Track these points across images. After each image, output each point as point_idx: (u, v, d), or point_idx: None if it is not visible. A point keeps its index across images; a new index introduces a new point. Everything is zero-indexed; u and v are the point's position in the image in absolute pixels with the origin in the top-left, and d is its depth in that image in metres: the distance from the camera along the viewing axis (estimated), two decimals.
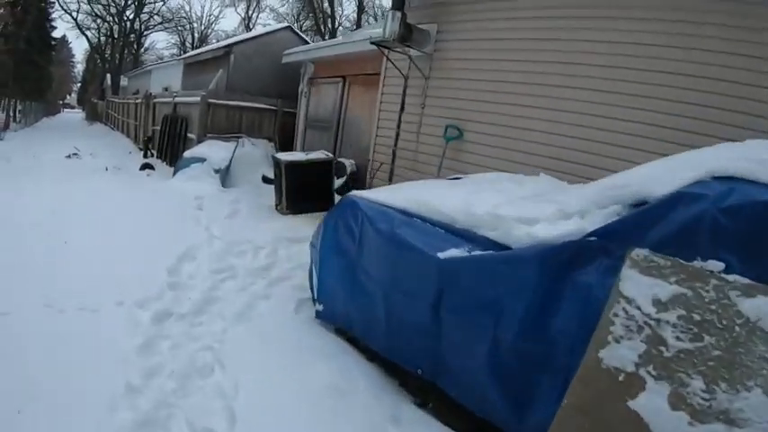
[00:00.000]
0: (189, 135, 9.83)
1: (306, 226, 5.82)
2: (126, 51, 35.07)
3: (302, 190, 6.56)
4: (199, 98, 9.22)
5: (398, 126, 6.71)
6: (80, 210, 5.86)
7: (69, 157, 12.37)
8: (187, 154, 8.71)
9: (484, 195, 2.92)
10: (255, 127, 10.06)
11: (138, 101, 16.03)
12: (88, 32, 34.74)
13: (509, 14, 5.63)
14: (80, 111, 44.79)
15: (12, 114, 22.94)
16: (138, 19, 34.66)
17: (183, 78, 14.47)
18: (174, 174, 8.65)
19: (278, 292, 3.83)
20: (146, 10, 34.78)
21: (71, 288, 3.53)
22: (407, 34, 6.18)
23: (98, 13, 32.60)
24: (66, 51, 43.69)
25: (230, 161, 8.30)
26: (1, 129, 17.66)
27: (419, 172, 6.42)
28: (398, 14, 6.07)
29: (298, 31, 11.92)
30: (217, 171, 8.14)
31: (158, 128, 12.05)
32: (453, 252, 2.53)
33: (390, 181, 6.69)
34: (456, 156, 6.00)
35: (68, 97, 58.00)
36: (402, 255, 2.68)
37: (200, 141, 9.11)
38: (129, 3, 33.17)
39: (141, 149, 13.10)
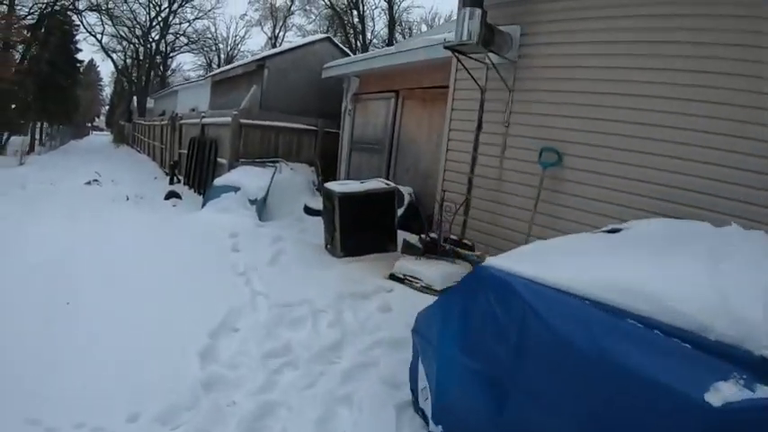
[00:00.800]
0: (219, 160, 8.96)
1: (370, 275, 4.75)
2: (152, 73, 35.45)
3: (359, 227, 5.50)
4: (230, 118, 8.36)
5: (475, 148, 5.61)
6: (90, 253, 4.93)
7: (89, 183, 11.74)
8: (218, 182, 7.79)
9: (702, 268, 1.81)
10: (294, 150, 9.14)
11: (164, 122, 15.49)
12: (114, 55, 35.30)
13: (614, 12, 4.53)
14: (108, 133, 45.80)
15: (36, 137, 23.01)
16: (163, 40, 35.05)
17: (211, 98, 13.82)
18: (204, 204, 7.74)
19: (361, 390, 2.71)
20: (171, 31, 35.18)
21: (67, 389, 2.50)
22: (490, 36, 5.12)
23: (123, 35, 33.04)
24: (93, 74, 44.98)
25: (268, 190, 7.34)
26: (24, 153, 17.33)
27: (505, 205, 5.29)
28: (478, 12, 5.02)
29: (338, 43, 11.07)
30: (253, 202, 7.19)
31: (185, 152, 11.30)
32: (731, 392, 1.38)
33: (467, 215, 5.57)
34: (555, 185, 4.84)
35: (97, 120, 59.89)
36: (624, 389, 1.52)
37: (231, 167, 8.20)
38: (154, 24, 33.51)
39: (167, 174, 12.39)
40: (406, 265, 4.76)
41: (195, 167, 10.07)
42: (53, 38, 22.58)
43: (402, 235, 5.76)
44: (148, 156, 20.14)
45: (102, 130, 56.73)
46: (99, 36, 31.22)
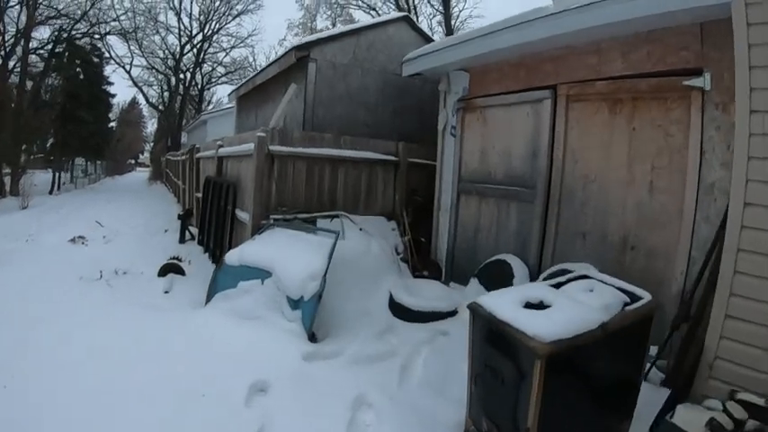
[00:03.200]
0: (239, 214, 5.98)
1: None
2: (189, 106, 34.41)
3: (573, 408, 2.16)
4: (252, 145, 5.36)
5: None
6: None
7: (74, 240, 9.14)
8: (232, 258, 4.78)
9: None
10: (361, 195, 6.10)
11: (184, 157, 12.97)
12: (151, 89, 34.91)
13: None
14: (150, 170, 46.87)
15: (68, 174, 22.03)
16: (199, 71, 33.99)
17: (236, 120, 11.17)
18: (209, 297, 4.72)
19: None
20: (207, 62, 34.19)
21: None
22: None
23: (153, 65, 32.20)
24: (137, 111, 45.93)
25: (324, 279, 4.16)
26: (27, 194, 15.45)
27: None
28: None
29: (419, 26, 7.93)
30: (296, 303, 4.12)
31: (201, 195, 8.47)
32: None
33: None
34: None
35: (141, 156, 62.34)
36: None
37: (256, 229, 5.18)
38: (186, 52, 32.46)
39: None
40: None
41: (210, 221, 7.18)
42: (73, 68, 21.89)
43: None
44: (175, 196, 18.16)
45: (147, 166, 59.18)
46: (128, 67, 30.52)
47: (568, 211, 4.57)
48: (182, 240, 8.94)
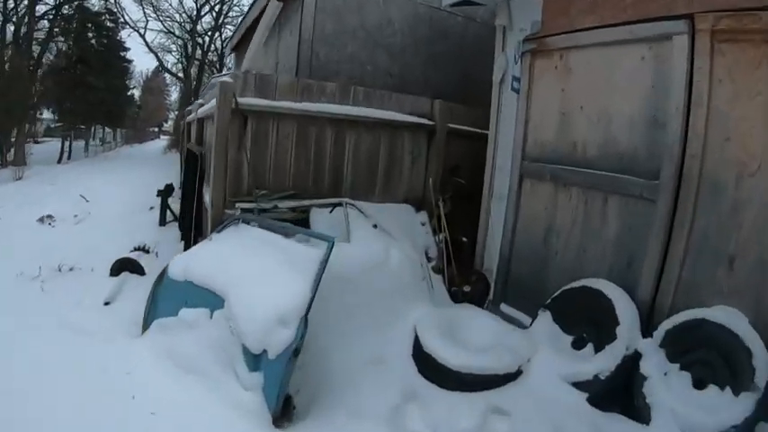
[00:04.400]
0: (205, 197, 4.42)
1: None
2: (209, 73, 33.21)
3: None
4: (215, 99, 3.74)
5: None
6: None
7: (42, 220, 7.98)
8: (177, 265, 3.41)
9: None
10: (378, 172, 4.53)
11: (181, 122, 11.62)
12: (171, 55, 33.88)
13: None
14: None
15: (68, 143, 21.70)
16: (219, 35, 32.51)
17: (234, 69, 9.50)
18: (145, 324, 3.41)
19: None
20: (228, 25, 32.67)
21: None
22: None
23: (170, 29, 31.12)
24: (161, 79, 46.25)
25: (304, 323, 2.61)
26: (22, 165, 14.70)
27: None
28: None
29: None
30: (257, 361, 2.71)
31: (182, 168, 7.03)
32: None
33: None
34: None
35: (165, 125, 64.38)
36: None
37: (217, 221, 3.72)
38: (203, 14, 30.90)
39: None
40: None
41: (184, 203, 5.68)
42: (84, 32, 21.22)
43: None
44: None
45: (171, 134, 61.30)
46: (142, 31, 29.46)
47: (708, 218, 2.89)
48: (162, 222, 7.56)
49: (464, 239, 4.48)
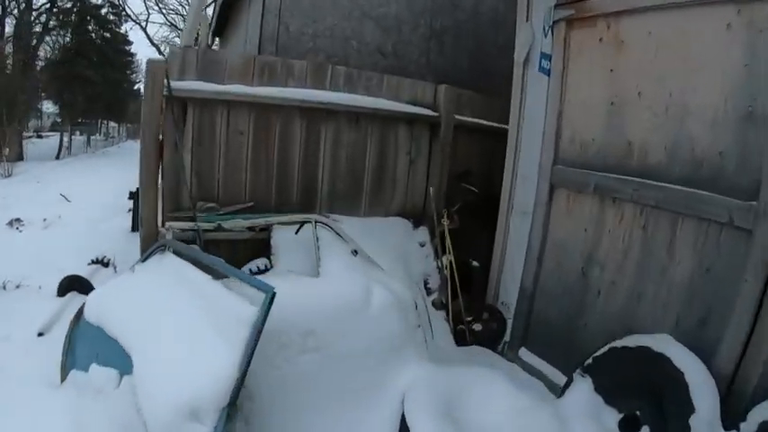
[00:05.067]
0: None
1: None
2: None
3: None
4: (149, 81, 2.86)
5: None
6: None
7: (11, 224, 7.42)
8: (92, 304, 2.56)
9: None
10: (365, 177, 3.65)
11: None
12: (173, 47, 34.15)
13: None
14: None
15: (68, 138, 21.46)
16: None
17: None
18: (63, 372, 2.74)
19: None
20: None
21: None
22: None
23: (173, 23, 30.98)
24: None
25: (228, 410, 1.73)
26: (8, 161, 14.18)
27: None
28: None
29: None
30: None
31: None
32: None
33: None
34: None
35: None
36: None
37: (147, 244, 2.85)
38: (209, 3, 30.49)
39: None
40: None
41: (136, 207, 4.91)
42: (83, 24, 20.96)
43: None
44: None
45: None
46: (143, 24, 29.14)
47: None
48: (134, 228, 6.84)
49: (475, 264, 3.56)
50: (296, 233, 3.03)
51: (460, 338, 3.37)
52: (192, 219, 3.01)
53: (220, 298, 2.25)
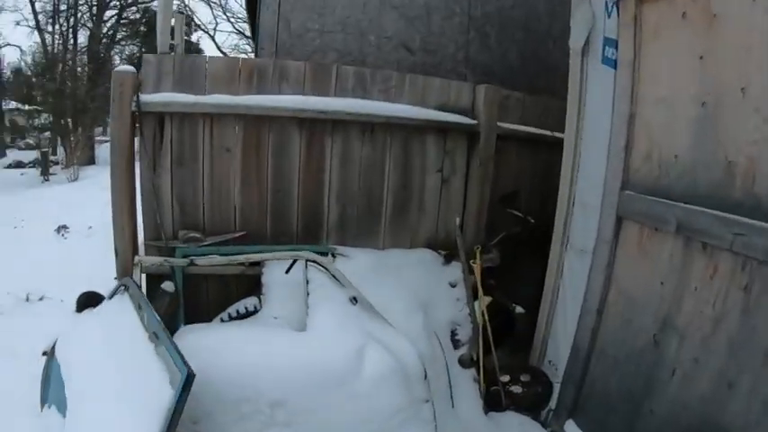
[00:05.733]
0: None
1: None
2: None
3: None
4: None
5: None
6: None
7: (59, 231, 8.19)
8: (60, 344, 2.28)
9: None
10: (385, 200, 3.02)
11: None
12: (245, 56, 35.96)
13: None
14: None
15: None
16: None
17: None
18: (42, 404, 2.44)
19: None
20: None
21: None
22: None
23: (241, 30, 32.63)
24: None
25: None
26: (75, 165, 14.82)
27: None
28: None
29: None
30: None
31: None
32: None
33: None
34: None
35: None
36: None
37: (122, 276, 2.48)
38: None
39: None
40: None
41: None
42: (149, 35, 21.40)
43: None
44: None
45: None
46: (212, 32, 30.64)
47: None
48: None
49: (519, 310, 2.86)
50: (286, 272, 2.53)
51: (493, 402, 2.69)
52: (170, 251, 2.64)
53: (148, 368, 1.81)
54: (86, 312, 2.99)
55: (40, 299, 4.95)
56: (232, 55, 33.22)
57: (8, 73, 22.61)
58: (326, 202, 2.87)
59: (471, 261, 2.84)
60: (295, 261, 2.53)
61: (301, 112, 2.67)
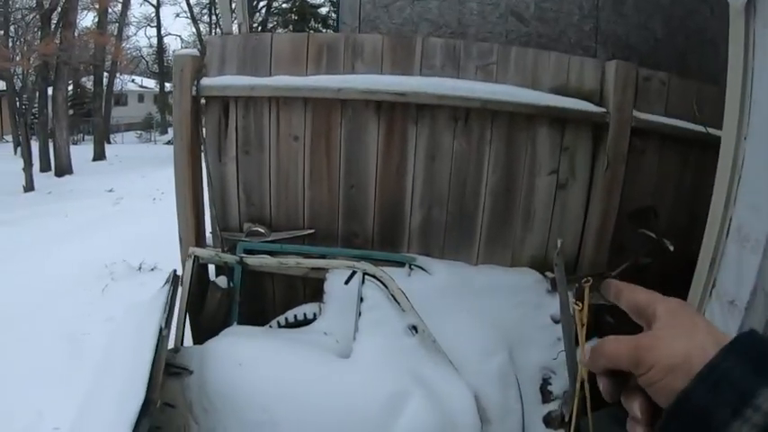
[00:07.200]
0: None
1: None
2: None
3: None
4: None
5: None
6: None
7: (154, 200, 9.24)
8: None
9: None
10: (481, 204, 2.55)
11: None
12: None
13: None
14: None
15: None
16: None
17: None
18: None
19: None
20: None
21: None
22: None
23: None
24: None
25: None
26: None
27: None
28: None
29: None
30: None
31: None
32: None
33: None
34: None
35: None
36: None
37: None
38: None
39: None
40: None
41: None
42: (300, 23, 22.79)
43: None
44: None
45: None
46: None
47: None
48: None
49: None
50: (345, 283, 2.27)
51: None
52: (211, 248, 2.55)
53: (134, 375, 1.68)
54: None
55: (152, 269, 5.36)
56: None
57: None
58: (409, 203, 2.51)
59: (575, 301, 2.29)
60: (354, 273, 2.25)
61: (372, 94, 2.32)
